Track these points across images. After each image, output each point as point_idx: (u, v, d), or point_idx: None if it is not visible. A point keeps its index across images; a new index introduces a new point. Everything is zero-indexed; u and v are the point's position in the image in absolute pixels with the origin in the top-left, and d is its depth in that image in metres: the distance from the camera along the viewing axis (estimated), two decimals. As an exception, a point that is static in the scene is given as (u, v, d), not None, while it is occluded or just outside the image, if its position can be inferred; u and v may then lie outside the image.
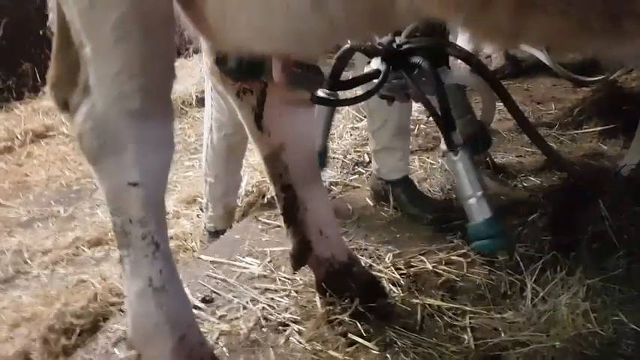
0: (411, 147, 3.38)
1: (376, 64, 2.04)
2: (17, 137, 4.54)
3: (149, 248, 1.54)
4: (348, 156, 3.34)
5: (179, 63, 6.07)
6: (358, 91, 2.11)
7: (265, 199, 2.99)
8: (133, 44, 1.41)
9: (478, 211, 1.92)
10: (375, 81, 1.95)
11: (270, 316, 2.01)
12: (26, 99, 5.25)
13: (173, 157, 1.62)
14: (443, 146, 2.71)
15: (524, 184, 2.87)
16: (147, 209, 1.53)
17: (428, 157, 3.25)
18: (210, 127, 2.90)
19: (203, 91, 4.49)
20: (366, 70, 2.07)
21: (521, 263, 2.07)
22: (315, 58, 1.62)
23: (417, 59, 1.95)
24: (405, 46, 1.92)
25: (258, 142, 1.94)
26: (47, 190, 3.93)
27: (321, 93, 1.87)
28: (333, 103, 2.00)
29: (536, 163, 3.09)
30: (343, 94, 2.33)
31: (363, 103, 2.55)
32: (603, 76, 4.24)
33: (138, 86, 1.45)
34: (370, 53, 2.03)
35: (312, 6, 1.23)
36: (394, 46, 1.98)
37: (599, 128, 3.48)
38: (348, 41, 1.83)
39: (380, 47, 2.01)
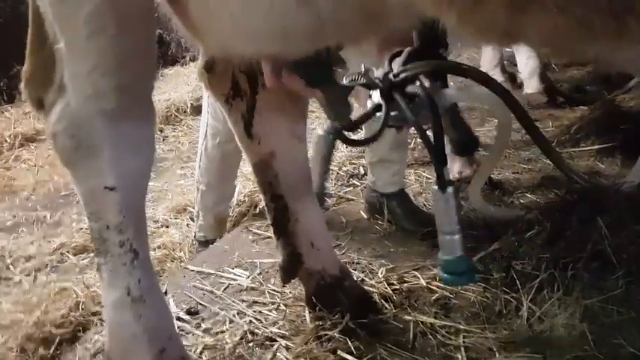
0: (407, 160, 3.34)
1: (377, 97, 1.93)
2: (6, 140, 4.48)
3: (127, 256, 1.47)
4: (344, 168, 3.29)
5: (175, 71, 6.06)
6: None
7: (257, 210, 2.94)
8: (107, 39, 1.34)
9: (454, 247, 1.87)
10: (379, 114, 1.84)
11: (257, 330, 1.94)
12: (17, 102, 5.18)
13: (154, 160, 1.56)
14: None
15: (521, 201, 2.82)
16: (125, 215, 1.47)
17: (424, 171, 3.20)
18: (205, 133, 2.84)
19: (198, 99, 4.46)
20: (369, 104, 1.96)
21: (517, 281, 2.01)
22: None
23: (414, 88, 1.76)
24: (401, 75, 1.73)
25: (248, 150, 1.88)
26: (34, 194, 3.86)
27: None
28: (349, 143, 1.89)
29: (533, 180, 3.05)
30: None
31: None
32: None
33: (114, 84, 1.38)
34: (369, 87, 1.92)
35: (298, 3, 1.16)
36: (391, 77, 1.77)
37: (596, 147, 3.44)
38: (344, 79, 1.74)
39: (377, 80, 1.80)
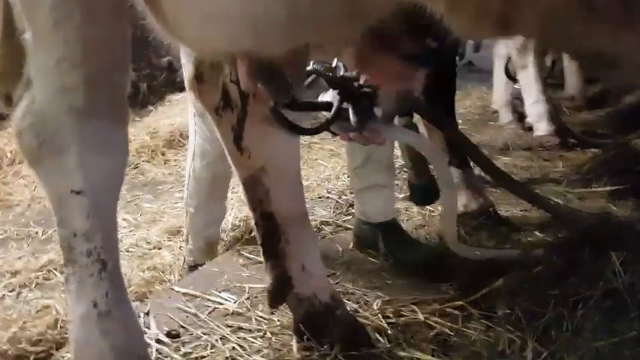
0: (409, 194, 3.24)
1: (331, 96, 1.78)
2: (7, 156, 4.42)
3: (94, 267, 1.37)
4: (343, 197, 3.20)
5: (181, 97, 6.04)
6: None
7: (252, 235, 2.82)
8: (74, 28, 1.26)
9: None
10: (326, 114, 1.73)
11: (239, 358, 1.81)
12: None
13: (126, 162, 1.47)
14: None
15: (529, 239, 2.69)
16: (92, 222, 1.37)
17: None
18: (193, 154, 2.75)
19: (202, 125, 4.41)
20: (321, 98, 1.85)
21: (522, 319, 1.87)
22: (279, 57, 1.43)
23: (372, 107, 1.71)
24: (365, 89, 1.68)
25: (238, 165, 1.79)
26: (29, 210, 3.78)
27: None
28: (288, 127, 1.70)
29: (542, 218, 2.92)
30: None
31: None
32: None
33: (82, 78, 1.30)
34: (329, 82, 1.78)
35: None
36: (355, 84, 1.70)
37: (608, 188, 3.33)
38: (311, 63, 1.67)
39: (340, 79, 1.74)
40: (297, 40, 1.26)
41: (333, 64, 1.63)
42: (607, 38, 0.84)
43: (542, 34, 0.93)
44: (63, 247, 1.43)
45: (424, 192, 2.55)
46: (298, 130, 1.64)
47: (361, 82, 1.61)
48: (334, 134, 1.89)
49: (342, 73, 1.64)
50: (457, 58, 3.40)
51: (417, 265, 2.41)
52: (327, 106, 1.69)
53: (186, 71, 1.91)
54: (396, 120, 2.10)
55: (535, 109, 4.63)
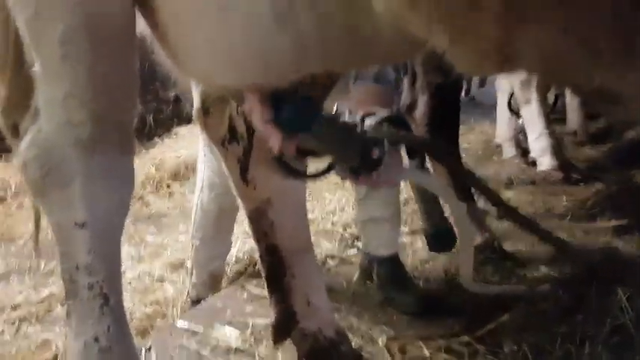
0: (414, 227, 3.22)
1: None
2: (11, 188, 4.43)
3: (96, 301, 1.35)
4: (348, 229, 3.18)
5: (188, 130, 6.08)
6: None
7: (256, 268, 2.80)
8: (82, 62, 1.26)
9: None
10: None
11: (242, 396, 1.78)
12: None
13: (131, 195, 1.46)
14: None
15: (535, 274, 2.67)
16: (95, 255, 1.36)
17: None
18: (202, 186, 2.75)
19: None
20: None
21: (529, 356, 1.84)
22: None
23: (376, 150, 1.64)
24: (368, 132, 1.63)
25: (244, 197, 1.78)
26: (32, 242, 3.75)
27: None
28: (296, 175, 1.70)
29: (548, 253, 2.89)
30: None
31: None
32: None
33: (89, 113, 1.30)
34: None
35: (276, 19, 1.07)
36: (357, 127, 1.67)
37: (613, 223, 3.31)
38: None
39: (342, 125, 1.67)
40: (304, 71, 1.27)
41: (335, 109, 1.61)
42: (610, 77, 0.84)
43: (544, 70, 0.94)
44: (65, 280, 1.42)
45: (441, 239, 2.55)
46: (300, 175, 1.63)
47: (365, 125, 1.58)
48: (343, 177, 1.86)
49: (345, 118, 1.62)
50: (462, 93, 3.44)
51: (407, 307, 2.38)
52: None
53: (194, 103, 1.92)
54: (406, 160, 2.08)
55: (539, 144, 4.64)
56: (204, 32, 1.16)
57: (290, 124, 1.36)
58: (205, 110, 1.75)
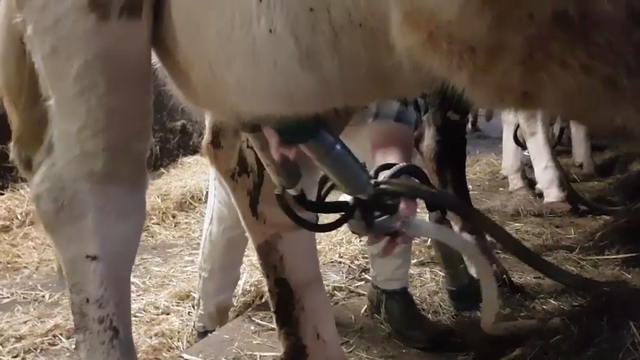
0: (422, 258, 3.21)
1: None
2: (17, 217, 4.42)
3: (106, 334, 1.35)
4: (356, 261, 3.16)
5: (194, 159, 6.11)
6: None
7: (263, 300, 2.78)
8: (97, 97, 1.29)
9: None
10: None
11: None
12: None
13: (142, 227, 1.47)
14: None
15: (544, 307, 2.64)
16: (106, 288, 1.37)
17: (440, 270, 3.04)
18: (211, 218, 2.75)
19: (214, 188, 4.43)
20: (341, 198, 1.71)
21: (542, 392, 1.81)
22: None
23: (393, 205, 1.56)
24: (382, 186, 1.56)
25: (253, 230, 1.79)
26: (36, 273, 3.75)
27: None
28: (307, 226, 1.66)
29: (556, 285, 2.87)
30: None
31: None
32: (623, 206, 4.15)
33: (102, 145, 1.32)
34: None
35: (302, 65, 1.10)
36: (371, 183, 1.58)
37: (621, 255, 3.29)
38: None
39: None
40: (326, 106, 1.28)
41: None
42: (630, 115, 0.84)
43: (566, 110, 0.94)
44: (75, 313, 1.41)
45: (464, 297, 2.52)
46: (309, 227, 1.62)
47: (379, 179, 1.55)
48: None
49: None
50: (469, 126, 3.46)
51: (416, 341, 2.36)
52: (344, 207, 1.58)
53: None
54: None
55: (545, 176, 4.64)
56: (233, 74, 1.19)
57: (287, 132, 1.37)
58: (216, 143, 1.76)
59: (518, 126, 4.93)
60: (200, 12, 1.20)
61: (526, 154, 4.99)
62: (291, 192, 1.55)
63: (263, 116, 1.28)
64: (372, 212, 1.53)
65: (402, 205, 1.53)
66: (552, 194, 4.55)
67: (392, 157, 1.73)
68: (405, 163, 1.63)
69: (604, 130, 0.97)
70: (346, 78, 1.12)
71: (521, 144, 4.96)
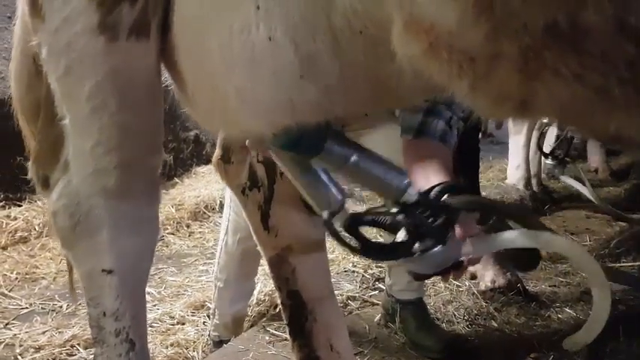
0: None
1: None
2: (35, 229, 4.47)
3: (123, 347, 1.38)
4: (369, 271, 3.16)
5: (208, 169, 6.14)
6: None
7: (277, 309, 2.79)
8: (109, 115, 1.32)
9: None
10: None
11: None
12: (52, 192, 5.24)
13: (156, 241, 1.50)
14: None
15: (559, 316, 2.63)
16: (122, 301, 1.40)
17: (454, 279, 3.04)
18: (226, 229, 2.77)
19: (228, 197, 4.45)
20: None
21: (558, 403, 1.81)
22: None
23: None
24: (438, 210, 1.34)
25: (264, 244, 1.81)
26: (54, 283, 3.79)
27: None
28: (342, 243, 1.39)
29: (572, 294, 2.86)
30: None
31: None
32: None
33: (115, 162, 1.35)
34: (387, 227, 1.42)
35: (302, 72, 1.11)
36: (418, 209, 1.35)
37: (638, 263, 3.26)
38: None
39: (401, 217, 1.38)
40: (328, 115, 1.29)
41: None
42: (626, 123, 0.85)
43: (561, 117, 0.95)
44: (92, 326, 1.44)
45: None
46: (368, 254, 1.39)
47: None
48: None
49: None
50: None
51: (430, 351, 2.35)
52: (402, 249, 1.34)
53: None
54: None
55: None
56: (233, 84, 1.20)
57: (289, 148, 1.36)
58: (227, 159, 1.78)
59: (541, 134, 4.88)
60: (202, 26, 1.23)
61: (548, 162, 4.99)
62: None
63: (264, 129, 1.29)
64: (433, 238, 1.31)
65: (457, 229, 1.34)
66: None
67: (435, 179, 1.50)
68: (449, 181, 1.44)
69: (601, 138, 0.98)
70: (347, 85, 1.13)
71: (544, 152, 4.93)
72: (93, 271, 1.42)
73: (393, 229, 1.36)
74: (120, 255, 1.41)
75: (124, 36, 1.28)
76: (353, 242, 1.34)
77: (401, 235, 1.35)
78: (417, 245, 1.32)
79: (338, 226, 1.36)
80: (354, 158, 1.39)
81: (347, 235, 1.34)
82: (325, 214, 1.37)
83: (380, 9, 0.97)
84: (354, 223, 1.34)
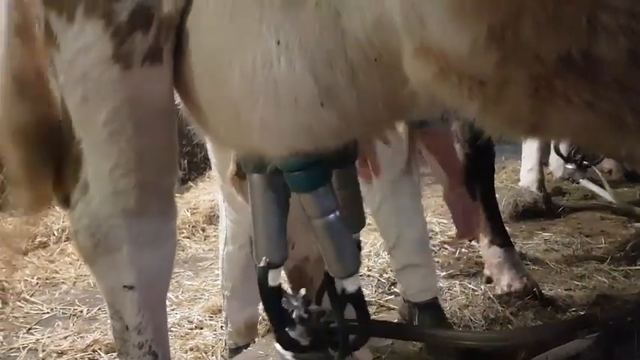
0: (452, 271, 3.22)
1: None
2: (54, 234, 4.54)
3: (146, 359, 1.42)
4: (385, 275, 3.18)
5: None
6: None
7: (294, 314, 2.81)
8: (126, 139, 1.38)
9: None
10: None
11: None
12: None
13: (174, 254, 1.57)
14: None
15: (575, 320, 2.63)
16: (144, 315, 1.46)
17: (470, 283, 3.06)
18: (225, 239, 2.80)
19: (242, 202, 4.48)
20: None
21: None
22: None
23: None
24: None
25: None
26: (74, 288, 3.85)
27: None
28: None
29: (588, 298, 2.87)
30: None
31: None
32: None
33: (134, 182, 1.41)
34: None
35: (322, 101, 1.18)
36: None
37: (654, 266, 3.26)
38: None
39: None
40: (346, 139, 1.34)
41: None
42: (636, 147, 0.88)
43: (573, 139, 0.99)
44: (116, 338, 1.51)
45: None
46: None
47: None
48: None
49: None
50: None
51: (447, 356, 2.36)
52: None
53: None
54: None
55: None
56: (257, 114, 1.26)
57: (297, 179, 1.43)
58: (242, 175, 1.81)
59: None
60: (223, 57, 1.28)
61: (569, 166, 4.99)
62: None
63: (282, 153, 1.34)
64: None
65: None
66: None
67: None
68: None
69: (613, 157, 1.02)
70: (364, 110, 1.19)
71: (562, 156, 4.92)
72: (114, 287, 1.48)
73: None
74: (140, 271, 1.46)
75: (138, 63, 1.34)
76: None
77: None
78: None
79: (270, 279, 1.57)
80: (333, 216, 1.47)
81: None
82: (262, 262, 1.56)
83: (391, 37, 1.02)
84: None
